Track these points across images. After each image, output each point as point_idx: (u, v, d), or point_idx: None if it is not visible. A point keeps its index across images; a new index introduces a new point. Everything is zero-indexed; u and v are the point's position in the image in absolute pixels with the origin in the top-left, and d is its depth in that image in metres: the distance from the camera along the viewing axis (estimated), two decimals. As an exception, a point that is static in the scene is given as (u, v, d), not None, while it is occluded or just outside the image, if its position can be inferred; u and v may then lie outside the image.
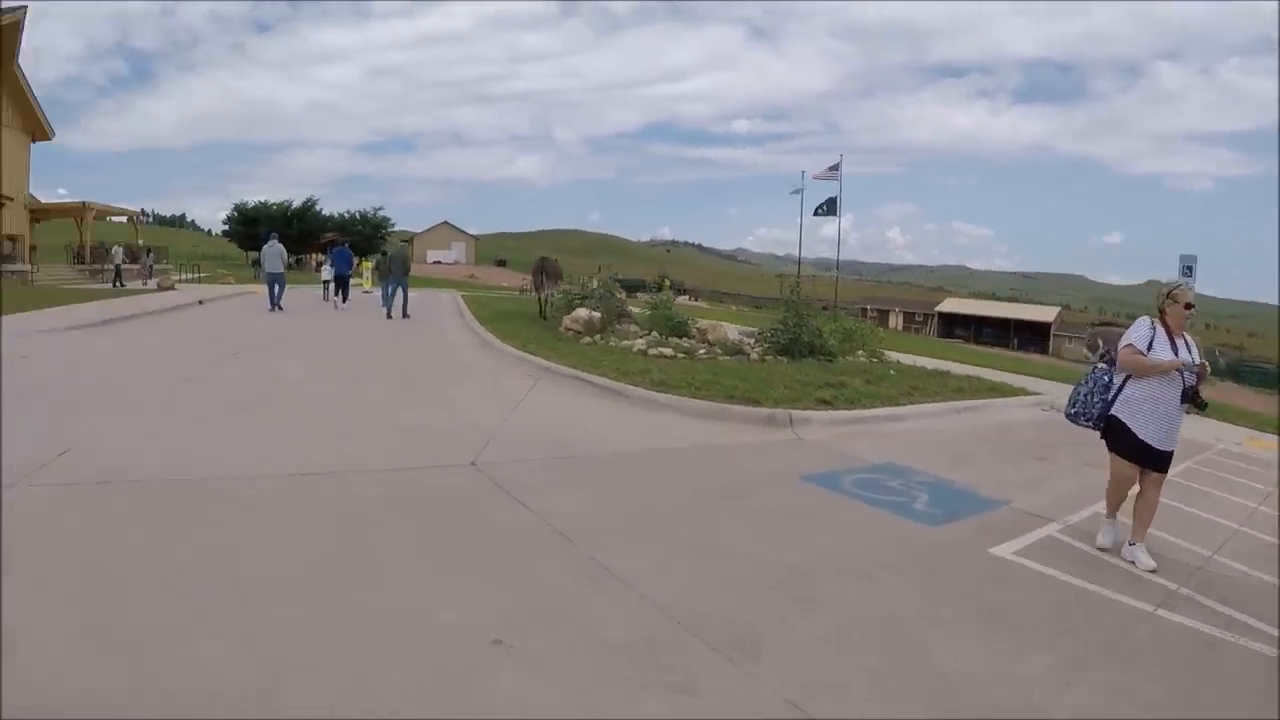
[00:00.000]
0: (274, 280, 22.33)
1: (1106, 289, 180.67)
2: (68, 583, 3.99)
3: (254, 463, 6.45)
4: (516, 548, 4.99)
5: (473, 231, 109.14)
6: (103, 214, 43.49)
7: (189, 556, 4.42)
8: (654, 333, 16.04)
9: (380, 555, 4.67)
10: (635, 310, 18.21)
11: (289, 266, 24.86)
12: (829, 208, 36.44)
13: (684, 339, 15.71)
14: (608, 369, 11.75)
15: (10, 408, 7.56)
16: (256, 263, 34.39)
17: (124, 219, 47.56)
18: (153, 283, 32.13)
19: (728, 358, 14.09)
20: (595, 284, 18.40)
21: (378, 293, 26.26)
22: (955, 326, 74.79)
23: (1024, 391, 13.83)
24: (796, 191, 37.21)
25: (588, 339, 15.15)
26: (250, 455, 6.69)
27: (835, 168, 36.27)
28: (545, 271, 21.80)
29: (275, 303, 22.05)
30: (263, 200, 71.15)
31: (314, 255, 63.57)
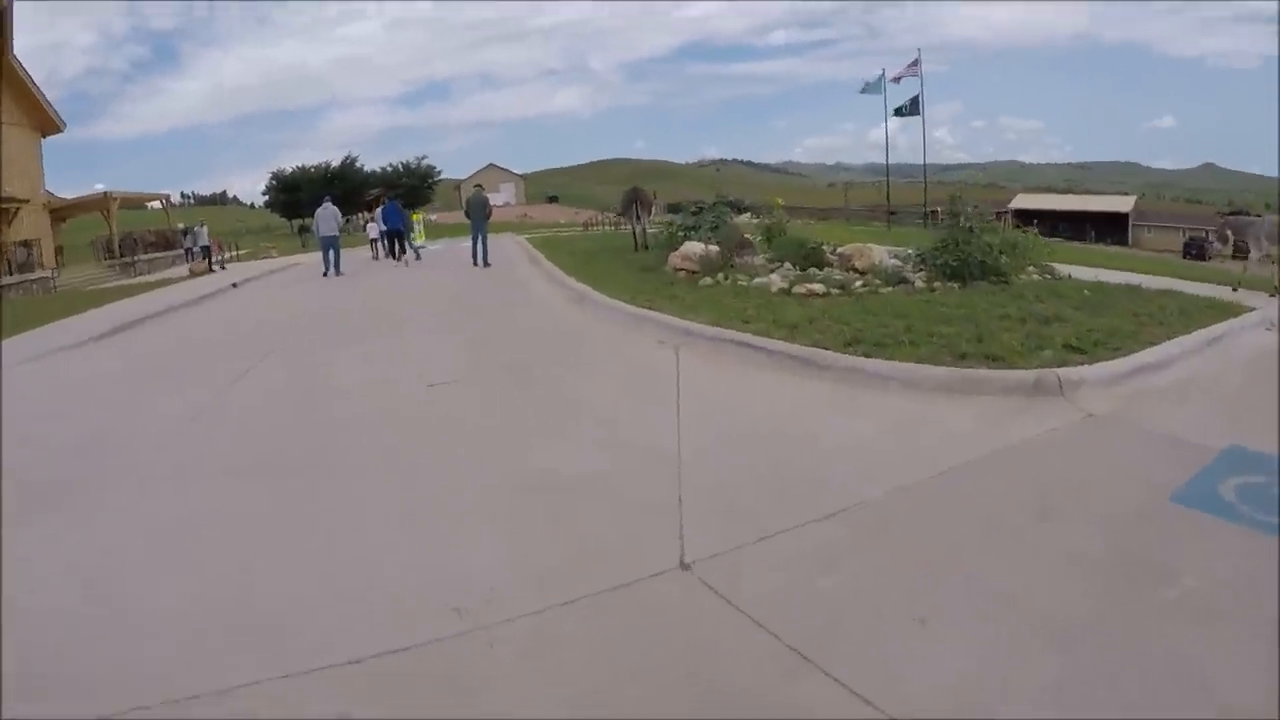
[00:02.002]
0: (329, 245, 21.53)
1: (1161, 174, 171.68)
2: None
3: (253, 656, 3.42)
4: None
5: (518, 171, 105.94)
6: (130, 202, 41.46)
7: None
8: (785, 264, 13.03)
9: None
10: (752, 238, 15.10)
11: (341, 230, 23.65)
12: (912, 106, 33.46)
13: (823, 268, 12.75)
14: (763, 322, 8.94)
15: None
16: (304, 229, 32.02)
17: (156, 205, 45.42)
18: (214, 263, 29.33)
19: (890, 289, 11.14)
20: (701, 211, 15.24)
21: (431, 247, 26.41)
22: (1029, 223, 70.00)
23: (1237, 307, 10.40)
24: (868, 90, 33.88)
25: (707, 279, 12.18)
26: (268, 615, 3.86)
27: (915, 64, 33.12)
28: (640, 201, 20.57)
29: (334, 267, 21.35)
30: (300, 165, 69.49)
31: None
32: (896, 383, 6.88)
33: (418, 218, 34.30)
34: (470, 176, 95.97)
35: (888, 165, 36.17)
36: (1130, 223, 66.11)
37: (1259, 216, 13.97)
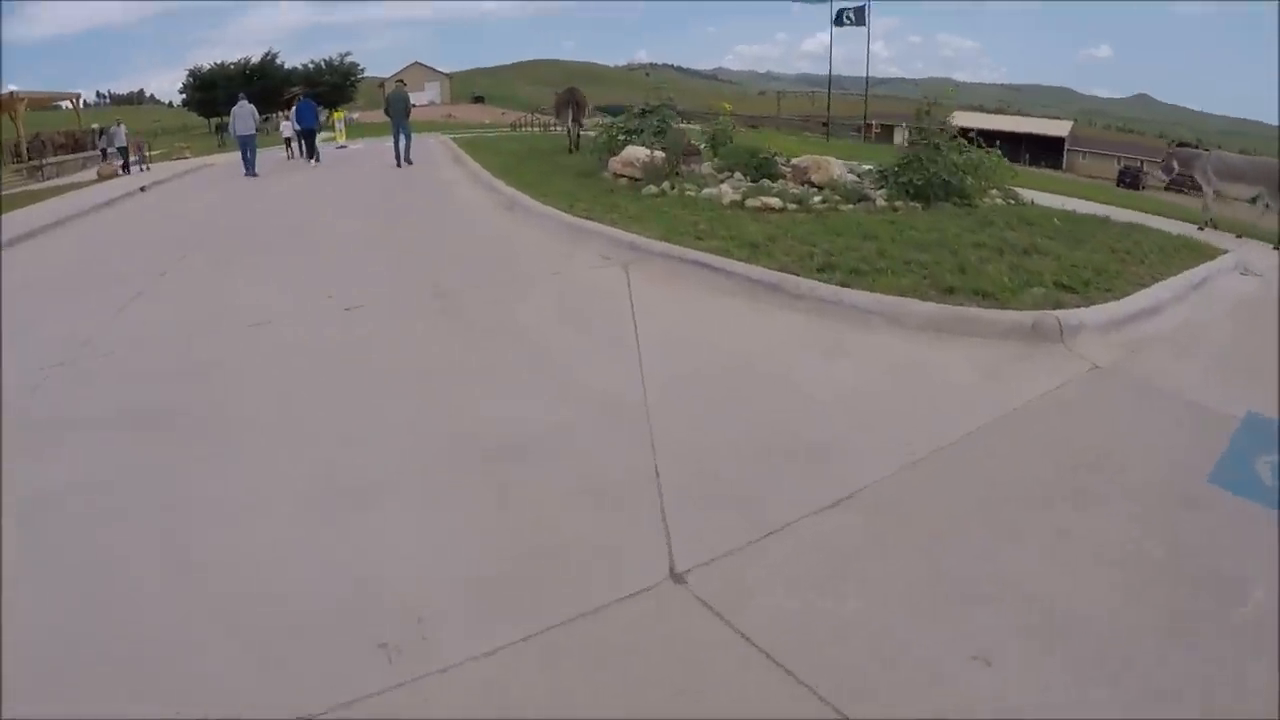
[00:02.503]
0: (245, 144, 20.40)
1: (1094, 101, 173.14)
2: None
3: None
4: None
5: (445, 70, 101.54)
6: (38, 103, 37.82)
7: None
8: (735, 174, 11.99)
9: None
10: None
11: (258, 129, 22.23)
12: (857, 16, 31.85)
13: (776, 180, 11.77)
14: (719, 239, 7.97)
15: None
16: (222, 128, 29.53)
17: (68, 105, 41.69)
18: (133, 164, 25.97)
19: (851, 206, 10.27)
20: (646, 111, 13.85)
21: (353, 147, 25.74)
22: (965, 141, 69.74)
23: (1211, 249, 9.77)
24: (812, 1, 32.33)
25: (651, 188, 11.06)
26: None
27: None
28: (576, 102, 19.88)
29: (250, 169, 20.14)
30: (219, 62, 65.17)
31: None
32: (880, 318, 6.03)
33: (339, 116, 32.31)
34: (394, 75, 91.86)
35: (830, 75, 35.04)
36: (1066, 147, 66.08)
37: (1208, 150, 13.44)
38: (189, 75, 64.93)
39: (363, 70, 72.96)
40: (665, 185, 11.09)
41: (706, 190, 10.64)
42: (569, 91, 21.18)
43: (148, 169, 24.79)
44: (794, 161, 12.14)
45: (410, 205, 12.46)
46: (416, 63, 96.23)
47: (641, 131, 13.11)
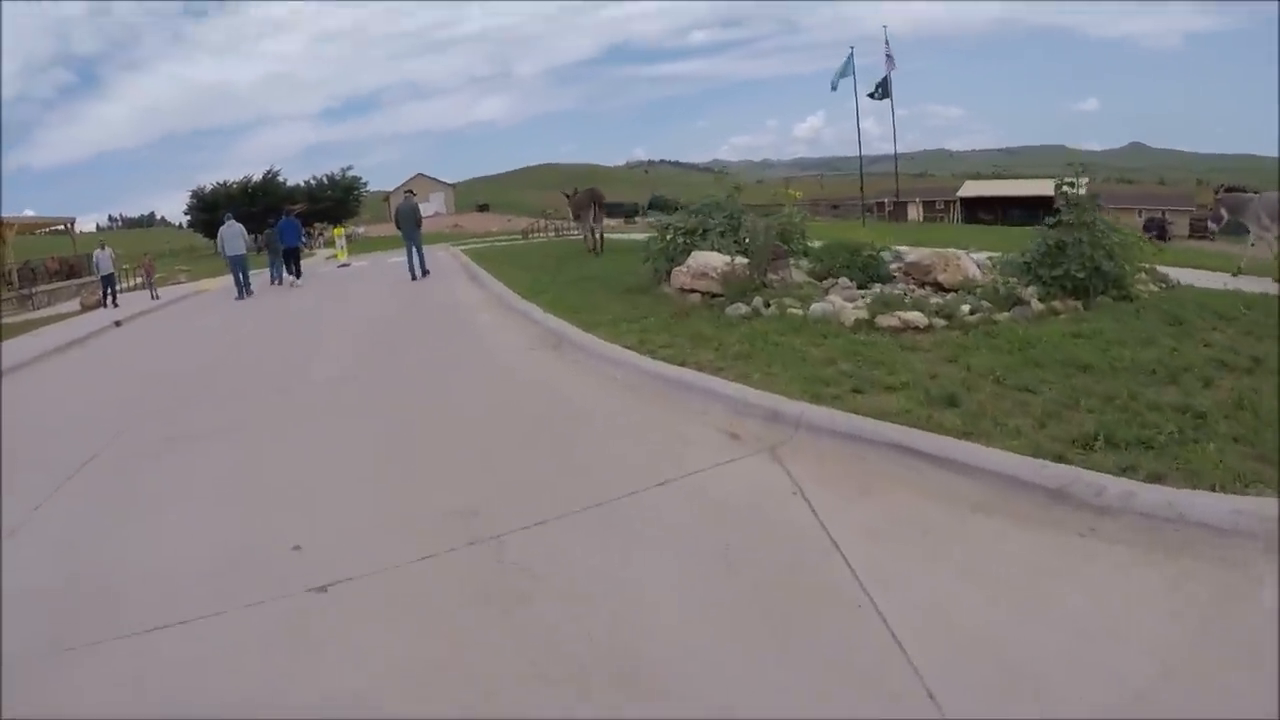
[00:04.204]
0: (236, 265, 19.41)
1: (1088, 155, 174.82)
2: None
3: None
4: None
5: (447, 180, 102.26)
6: (28, 228, 36.70)
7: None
8: (840, 280, 9.46)
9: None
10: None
11: (258, 248, 22.64)
12: (883, 90, 30.37)
13: (887, 283, 9.29)
14: (896, 392, 5.45)
15: None
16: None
17: (61, 229, 40.58)
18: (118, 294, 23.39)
19: (1008, 315, 7.75)
20: (714, 204, 11.06)
21: (356, 264, 24.81)
22: (979, 210, 68.23)
23: None
24: (840, 78, 30.88)
25: (740, 308, 8.47)
26: None
27: (887, 47, 30.33)
28: (596, 202, 19.93)
29: (243, 291, 19.26)
30: (221, 181, 64.77)
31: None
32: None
33: (340, 233, 30.44)
34: (399, 187, 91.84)
35: (860, 156, 32.97)
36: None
37: (1256, 194, 12.28)
38: (191, 196, 64.29)
39: (365, 184, 72.73)
40: (756, 301, 8.53)
41: (816, 306, 8.05)
42: (589, 192, 20.61)
43: (157, 297, 22.47)
44: (909, 259, 9.61)
45: (421, 344, 9.73)
46: (420, 174, 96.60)
47: (708, 231, 10.53)
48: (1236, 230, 14.20)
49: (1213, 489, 3.87)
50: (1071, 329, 7.19)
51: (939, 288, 8.92)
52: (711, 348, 7.07)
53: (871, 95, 30.82)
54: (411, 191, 23.18)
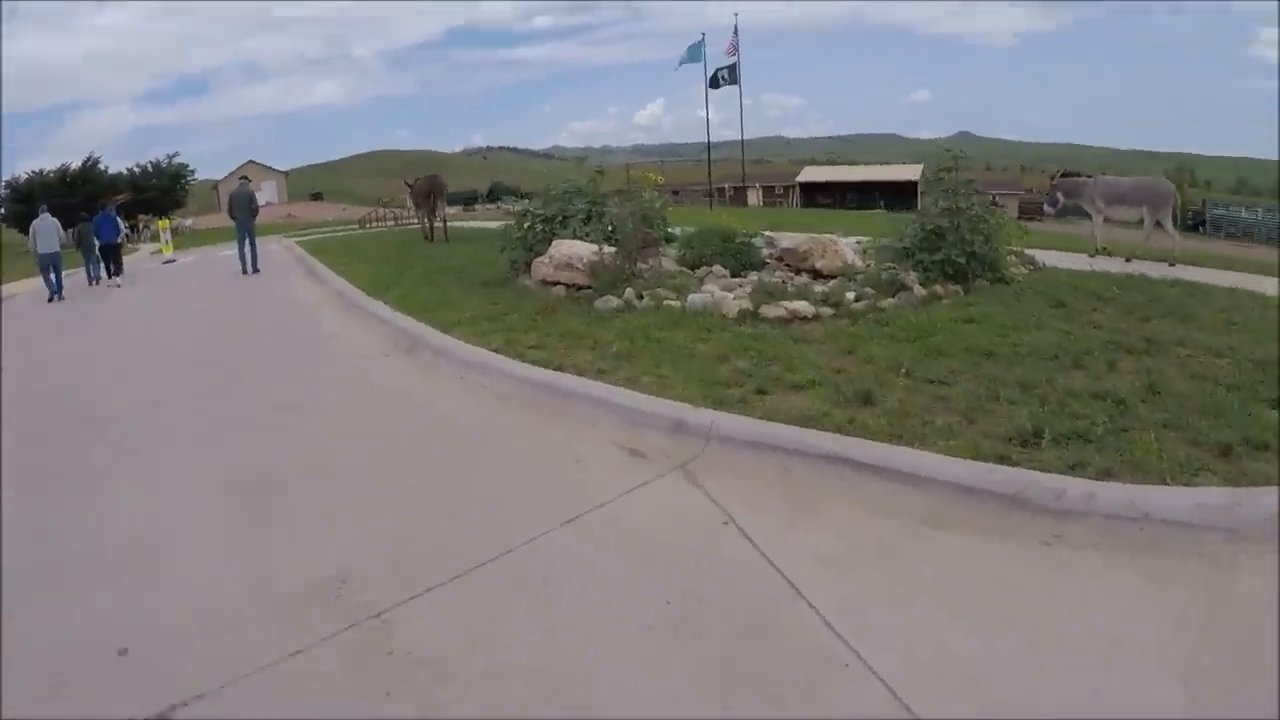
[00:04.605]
0: (48, 264, 16.90)
1: (919, 144, 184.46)
2: None
3: None
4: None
5: (280, 168, 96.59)
6: None
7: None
8: (713, 268, 8.93)
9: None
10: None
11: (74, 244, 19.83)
12: (730, 75, 30.37)
13: (758, 271, 8.86)
14: (803, 391, 5.00)
15: None
16: (74, 240, 24.46)
17: None
18: None
19: (893, 301, 7.55)
20: (575, 190, 10.29)
21: (183, 260, 23.13)
22: (817, 195, 70.36)
23: None
24: (686, 62, 30.69)
25: (611, 300, 7.81)
26: None
27: (734, 35, 30.30)
28: (437, 190, 19.79)
29: (55, 292, 16.71)
30: (37, 170, 58.01)
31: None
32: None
33: (165, 225, 27.87)
34: (230, 174, 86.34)
35: (709, 142, 32.80)
36: (919, 190, 67.35)
37: (1090, 178, 12.88)
38: (4, 187, 57.83)
39: (193, 172, 67.68)
40: (628, 293, 7.89)
41: (694, 297, 7.49)
42: (430, 180, 20.17)
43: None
44: (784, 245, 9.20)
45: (258, 353, 8.41)
46: (251, 161, 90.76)
47: (569, 219, 9.75)
48: (1072, 212, 14.85)
49: (1164, 481, 3.61)
50: (960, 314, 6.99)
51: (816, 274, 8.56)
52: (587, 347, 6.39)
53: (715, 81, 30.61)
54: (246, 177, 21.46)
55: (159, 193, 59.11)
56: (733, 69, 30.69)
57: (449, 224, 21.13)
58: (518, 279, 9.79)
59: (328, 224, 44.03)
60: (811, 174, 76.82)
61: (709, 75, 30.71)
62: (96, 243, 19.33)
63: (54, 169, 58.39)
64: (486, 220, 33.89)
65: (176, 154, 66.57)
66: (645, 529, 3.51)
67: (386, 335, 8.30)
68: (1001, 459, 3.76)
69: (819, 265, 8.52)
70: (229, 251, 19.59)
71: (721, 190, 67.46)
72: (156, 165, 63.64)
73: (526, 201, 10.89)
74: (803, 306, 6.96)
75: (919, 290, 7.81)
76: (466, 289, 9.96)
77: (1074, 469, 3.67)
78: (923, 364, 5.38)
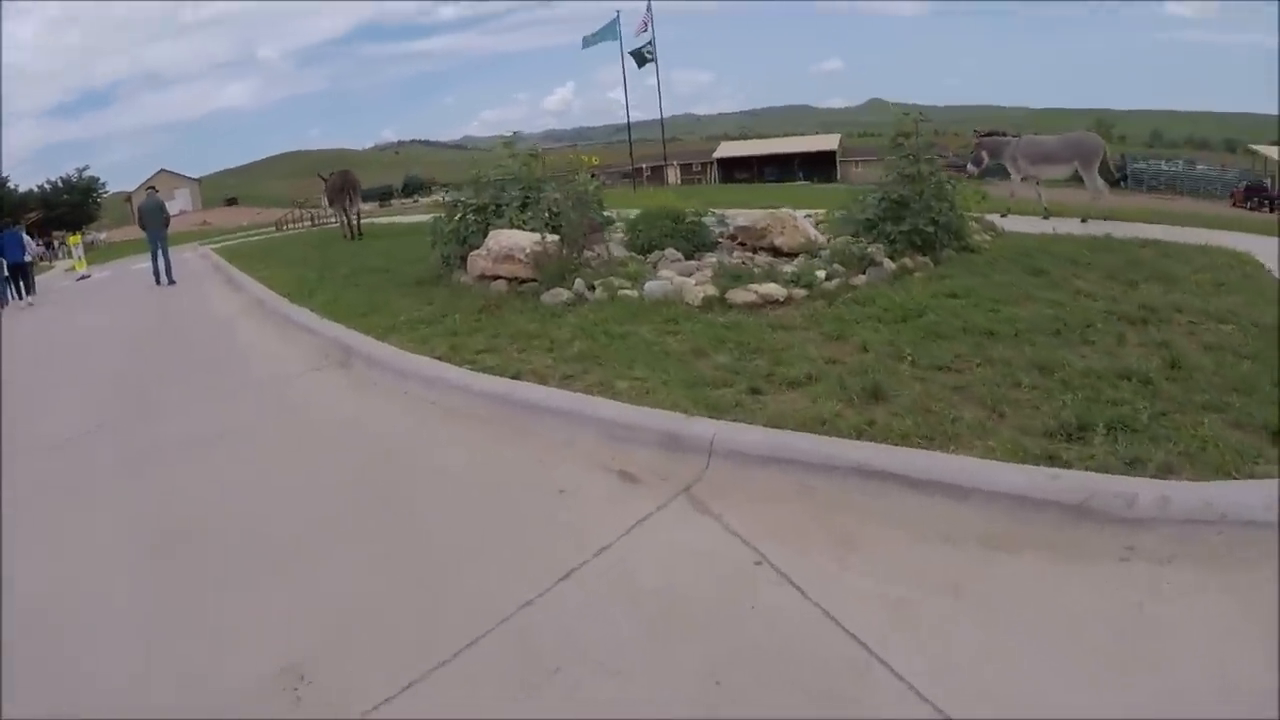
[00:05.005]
0: None
1: (830, 113, 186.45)
2: None
3: None
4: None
5: (193, 175, 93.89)
6: None
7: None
8: (665, 252, 8.34)
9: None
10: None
11: None
12: (651, 54, 29.75)
13: (710, 252, 8.33)
14: (805, 391, 4.41)
15: None
16: None
17: None
18: None
19: (864, 278, 7.12)
20: (509, 176, 9.42)
21: (98, 275, 22.61)
22: (735, 170, 70.41)
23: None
24: (592, 42, 30.08)
25: (561, 293, 7.16)
26: None
27: (648, 11, 29.72)
28: (351, 185, 19.63)
29: None
30: None
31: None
32: None
33: (75, 241, 26.36)
34: (142, 184, 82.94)
35: (629, 122, 32.18)
36: (838, 159, 67.83)
37: (1015, 137, 12.96)
38: None
39: (104, 185, 66.49)
40: (578, 284, 7.25)
41: (652, 285, 6.89)
42: (343, 175, 19.97)
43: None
44: (740, 223, 8.64)
45: (174, 375, 7.41)
46: (163, 170, 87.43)
47: (503, 206, 8.99)
48: (994, 173, 14.86)
49: (1230, 475, 3.19)
50: (940, 289, 6.61)
51: (776, 252, 8.05)
52: (542, 348, 5.75)
53: (641, 59, 30.01)
54: (154, 188, 20.34)
55: (70, 208, 58.22)
56: (649, 46, 30.07)
57: (362, 220, 20.74)
58: (452, 275, 9.06)
59: (243, 229, 42.31)
60: (728, 149, 76.66)
61: (630, 53, 30.00)
62: (4, 263, 18.20)
63: (-42, 189, 56.27)
64: (404, 215, 32.74)
65: (86, 168, 65.71)
66: (663, 580, 2.91)
67: (315, 346, 7.49)
68: (1051, 459, 3.29)
69: (778, 243, 8.00)
70: (144, 264, 18.66)
71: (639, 170, 66.93)
72: (67, 180, 62.66)
73: (450, 191, 9.92)
74: (773, 289, 6.43)
75: (888, 264, 7.38)
76: (397, 289, 9.20)
77: (1132, 466, 3.21)
78: (923, 348, 4.90)
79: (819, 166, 65.62)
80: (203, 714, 2.47)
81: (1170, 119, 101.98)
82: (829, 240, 8.22)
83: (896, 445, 3.47)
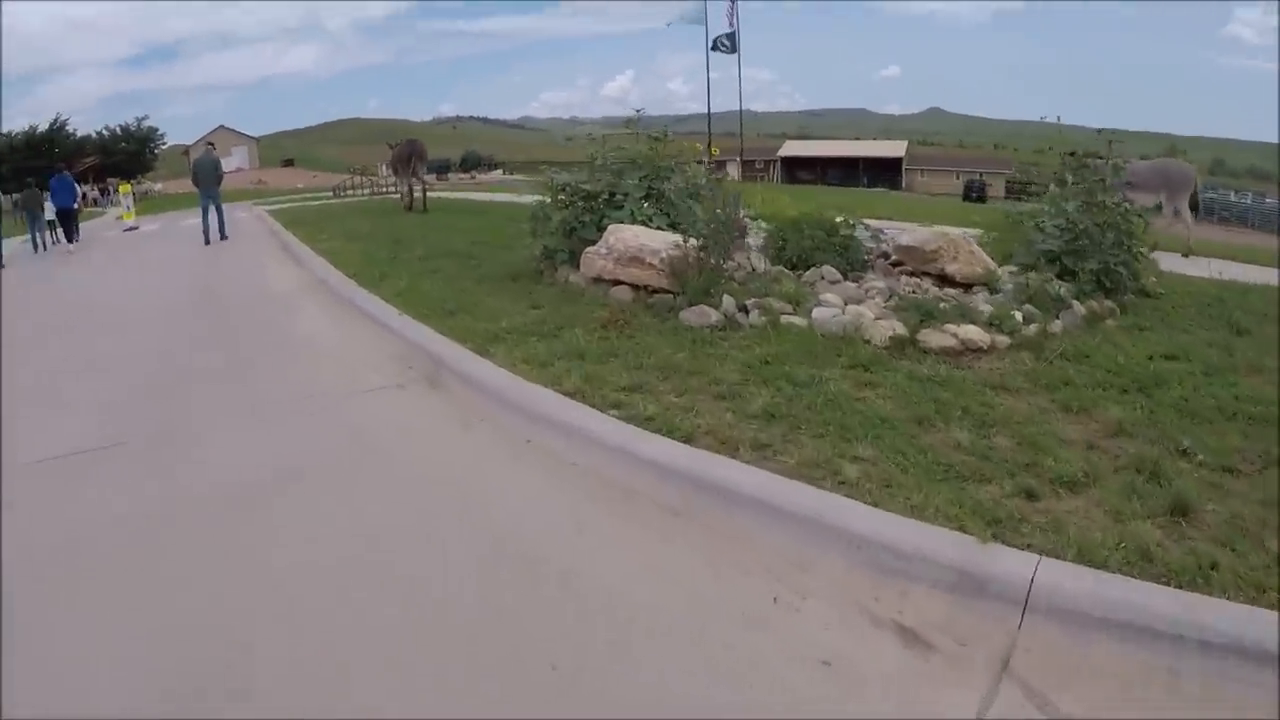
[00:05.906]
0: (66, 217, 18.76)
1: (889, 119, 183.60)
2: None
3: None
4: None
5: (251, 134, 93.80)
6: None
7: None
8: (824, 267, 7.16)
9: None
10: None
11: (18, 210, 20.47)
12: (730, 43, 29.20)
13: (865, 273, 7.18)
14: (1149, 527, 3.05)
15: None
16: (17, 205, 21.91)
17: None
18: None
19: (1060, 324, 5.93)
20: (629, 161, 8.08)
21: (146, 227, 22.21)
22: (798, 170, 69.20)
23: None
24: (679, 22, 29.50)
25: (709, 313, 5.96)
26: None
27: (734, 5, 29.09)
28: (417, 155, 18.97)
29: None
30: (3, 133, 56.10)
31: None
32: None
33: (126, 190, 25.89)
34: (200, 139, 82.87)
35: (709, 111, 31.14)
36: (904, 167, 66.62)
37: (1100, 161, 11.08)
38: None
39: (163, 136, 67.48)
40: (727, 302, 6.06)
41: (823, 314, 5.72)
42: (410, 143, 19.30)
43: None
44: (903, 241, 7.42)
45: (214, 372, 6.26)
46: (222, 126, 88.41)
47: (619, 195, 7.75)
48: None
49: None
50: (1151, 347, 5.48)
51: (945, 280, 6.84)
52: (709, 393, 4.54)
53: (717, 46, 29.27)
54: (212, 144, 19.86)
55: (128, 156, 58.88)
56: (732, 37, 29.38)
57: (427, 193, 19.78)
58: (556, 273, 7.94)
59: (300, 191, 41.77)
60: (793, 148, 75.46)
61: (714, 40, 29.26)
62: (52, 207, 18.94)
63: (19, 130, 57.22)
64: (460, 191, 31.73)
65: (146, 117, 66.04)
66: None
67: (393, 351, 6.36)
68: None
69: (950, 270, 6.78)
70: (194, 220, 17.95)
71: (702, 165, 65.60)
72: (125, 129, 63.19)
73: (556, 172, 8.46)
74: (974, 334, 5.25)
75: (1078, 307, 6.20)
76: (489, 283, 8.10)
77: None
78: (1192, 435, 3.73)
79: (884, 172, 64.18)
80: None
81: (1232, 148, 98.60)
82: (1006, 272, 6.99)
83: (1255, 602, 2.32)
